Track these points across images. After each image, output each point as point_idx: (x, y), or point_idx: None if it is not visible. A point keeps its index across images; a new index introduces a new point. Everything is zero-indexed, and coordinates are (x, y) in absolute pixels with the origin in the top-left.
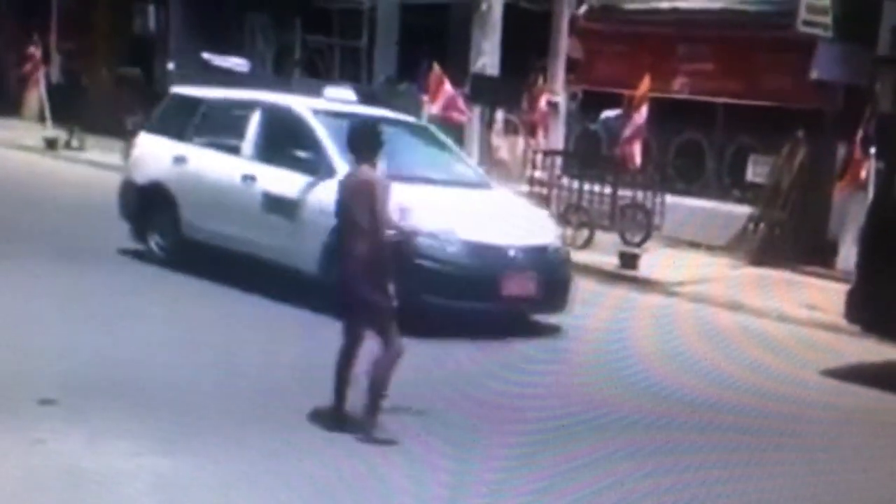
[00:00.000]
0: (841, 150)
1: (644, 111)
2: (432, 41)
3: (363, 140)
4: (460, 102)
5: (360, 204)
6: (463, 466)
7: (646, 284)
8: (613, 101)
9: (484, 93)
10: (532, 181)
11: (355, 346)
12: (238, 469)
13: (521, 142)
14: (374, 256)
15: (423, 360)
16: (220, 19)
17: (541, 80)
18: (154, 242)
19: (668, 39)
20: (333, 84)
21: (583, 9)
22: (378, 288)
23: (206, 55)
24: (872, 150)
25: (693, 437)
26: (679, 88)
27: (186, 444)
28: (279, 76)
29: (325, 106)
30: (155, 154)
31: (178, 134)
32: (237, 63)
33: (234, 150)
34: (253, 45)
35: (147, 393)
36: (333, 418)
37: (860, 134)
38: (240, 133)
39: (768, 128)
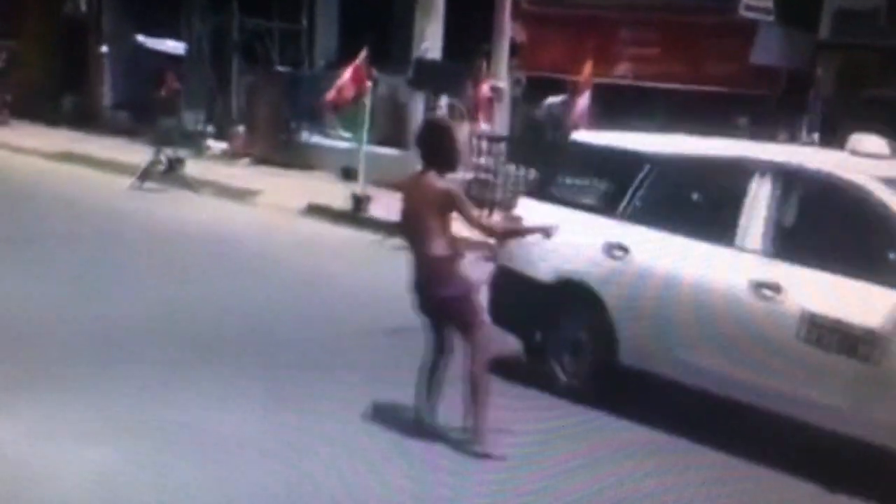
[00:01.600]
0: (784, 135)
1: (587, 97)
2: (374, 25)
3: (431, 140)
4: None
5: (428, 211)
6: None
7: None
8: (558, 87)
9: (427, 78)
10: (477, 168)
11: (443, 353)
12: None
13: (465, 128)
14: (441, 256)
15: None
16: (154, 1)
17: (485, 65)
18: (560, 365)
19: (611, 24)
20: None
21: None
22: (452, 283)
23: (140, 38)
24: (815, 135)
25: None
26: (623, 74)
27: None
28: (216, 60)
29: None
30: (566, 237)
31: (605, 207)
32: (172, 46)
33: (722, 239)
34: (189, 27)
35: None
36: (417, 423)
37: (804, 118)
38: (730, 211)
39: (712, 112)
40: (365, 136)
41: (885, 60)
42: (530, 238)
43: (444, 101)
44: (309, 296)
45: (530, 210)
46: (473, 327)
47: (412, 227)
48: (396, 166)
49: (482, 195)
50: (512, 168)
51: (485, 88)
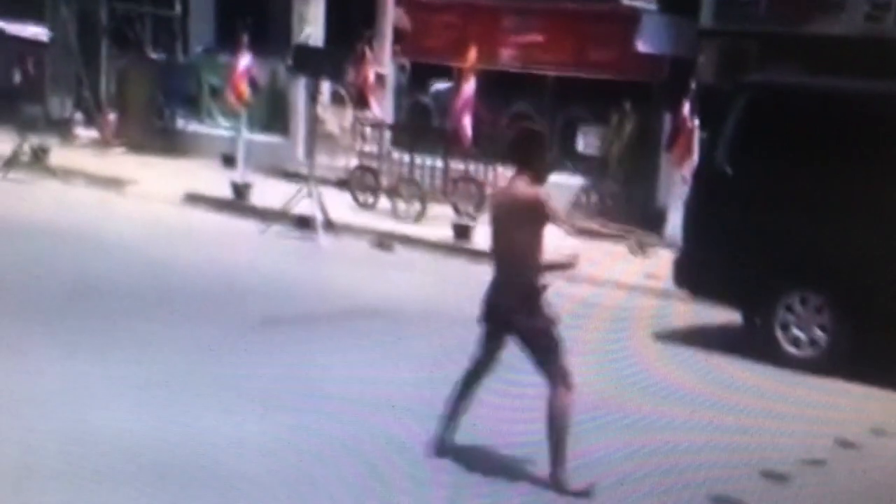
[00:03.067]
0: (668, 121)
1: (472, 83)
2: (252, 9)
3: (527, 147)
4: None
5: (517, 222)
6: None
7: (481, 256)
8: (444, 73)
9: (308, 64)
10: (362, 154)
11: (483, 369)
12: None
13: (349, 114)
14: (530, 281)
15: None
16: None
17: (367, 51)
18: None
19: (495, 11)
20: None
21: None
22: (538, 313)
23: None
24: (697, 121)
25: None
26: (508, 60)
27: None
28: (84, 46)
29: None
30: None
31: None
32: (34, 32)
33: None
34: (55, 11)
35: None
36: (439, 449)
37: (686, 105)
38: None
39: (597, 99)
40: (244, 122)
41: (765, 47)
42: None
43: (326, 87)
44: (194, 287)
45: None
46: (557, 360)
47: (500, 244)
48: (277, 154)
49: (366, 182)
50: (396, 154)
51: (367, 74)
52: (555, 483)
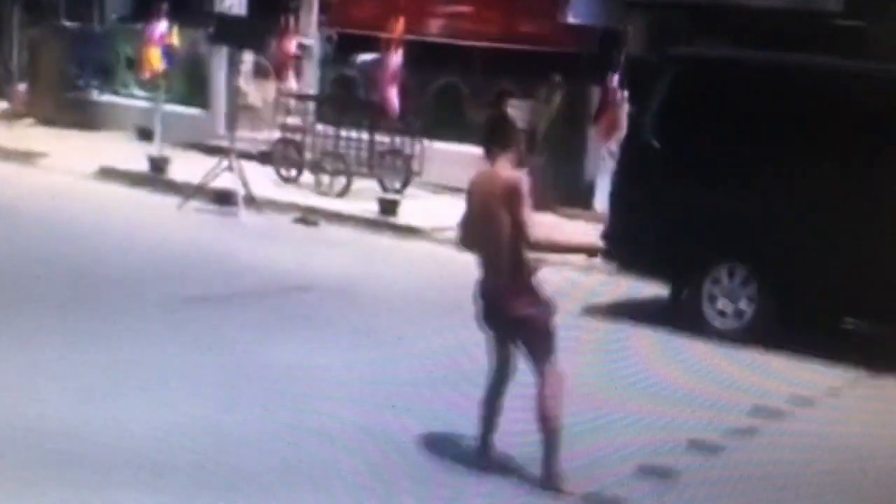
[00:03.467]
0: (596, 94)
1: (399, 55)
2: None
3: (496, 129)
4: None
5: (497, 208)
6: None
7: (407, 231)
8: (370, 44)
9: (229, 34)
10: (285, 128)
11: (507, 372)
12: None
13: (272, 87)
14: (519, 267)
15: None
16: None
17: (291, 22)
18: None
19: None
20: None
21: None
22: (532, 300)
23: None
24: (625, 94)
25: None
26: (435, 32)
27: None
28: None
29: None
30: None
31: None
32: None
33: None
34: None
35: None
36: (481, 457)
37: (614, 77)
38: None
39: (525, 72)
40: (162, 94)
41: (695, 19)
42: None
43: (248, 58)
44: (108, 264)
45: None
46: (551, 349)
47: (480, 230)
48: (196, 126)
49: (290, 156)
50: (320, 127)
51: (291, 45)
52: (549, 483)
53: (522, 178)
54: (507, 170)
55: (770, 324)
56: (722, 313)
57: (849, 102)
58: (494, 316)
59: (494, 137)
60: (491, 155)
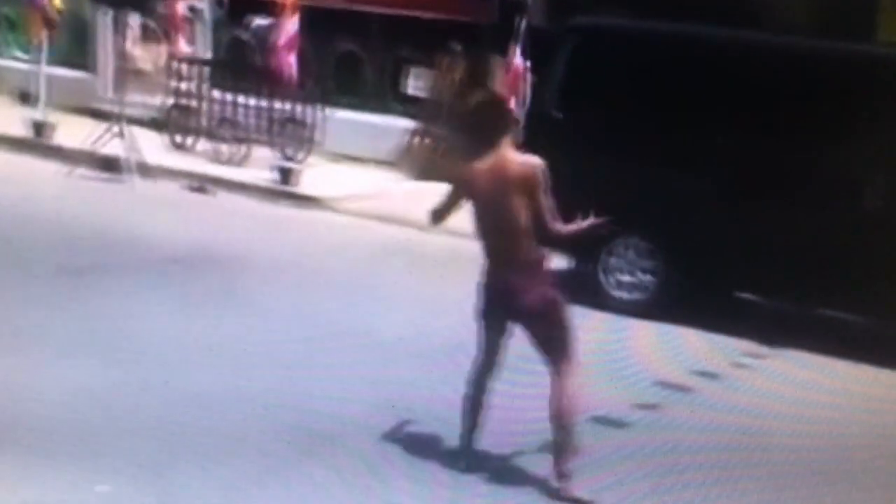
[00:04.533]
0: (498, 64)
1: (295, 20)
2: None
3: (493, 113)
4: None
5: (512, 195)
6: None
7: (307, 201)
8: (264, 8)
9: None
10: (177, 93)
11: (493, 366)
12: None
13: (162, 51)
14: (534, 257)
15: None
16: None
17: None
18: None
19: None
20: None
21: None
22: (548, 292)
23: None
24: (527, 64)
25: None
26: None
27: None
28: None
29: None
30: None
31: None
32: None
33: None
34: None
35: None
36: (465, 456)
37: (515, 47)
38: None
39: (426, 40)
40: (44, 56)
41: None
42: None
43: (135, 20)
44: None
45: None
46: (568, 341)
47: (494, 221)
48: (82, 90)
49: (184, 122)
50: (215, 93)
51: (180, 7)
52: (559, 480)
53: (541, 163)
54: (521, 155)
55: (671, 297)
56: (623, 286)
57: (749, 74)
58: (505, 308)
59: (494, 123)
60: (490, 142)
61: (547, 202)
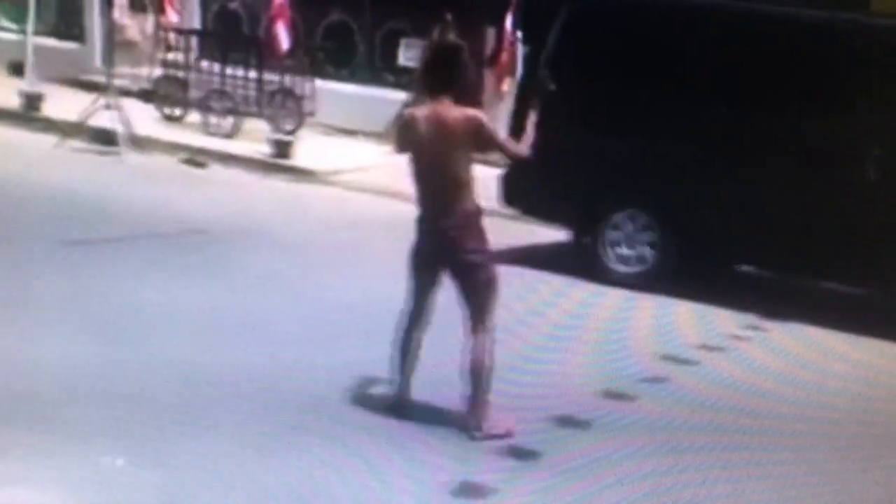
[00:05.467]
0: (490, 35)
1: None
2: None
3: (443, 65)
4: None
5: (453, 145)
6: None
7: (301, 173)
8: None
9: None
10: (167, 64)
11: (421, 317)
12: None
13: (151, 21)
14: (471, 209)
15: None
16: None
17: None
18: None
19: None
20: None
21: None
22: (483, 246)
23: None
24: (519, 35)
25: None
26: None
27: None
28: None
29: None
30: None
31: None
32: None
33: None
34: None
35: None
36: (397, 407)
37: (508, 18)
38: None
39: (416, 10)
40: (32, 26)
41: None
42: None
43: None
44: None
45: None
46: (491, 296)
47: (429, 172)
48: (72, 61)
49: (173, 94)
50: (205, 64)
51: None
52: (469, 426)
53: (482, 115)
54: (460, 108)
55: (671, 270)
56: (623, 259)
57: (746, 44)
58: (439, 255)
59: (448, 70)
60: (440, 88)
61: (499, 137)
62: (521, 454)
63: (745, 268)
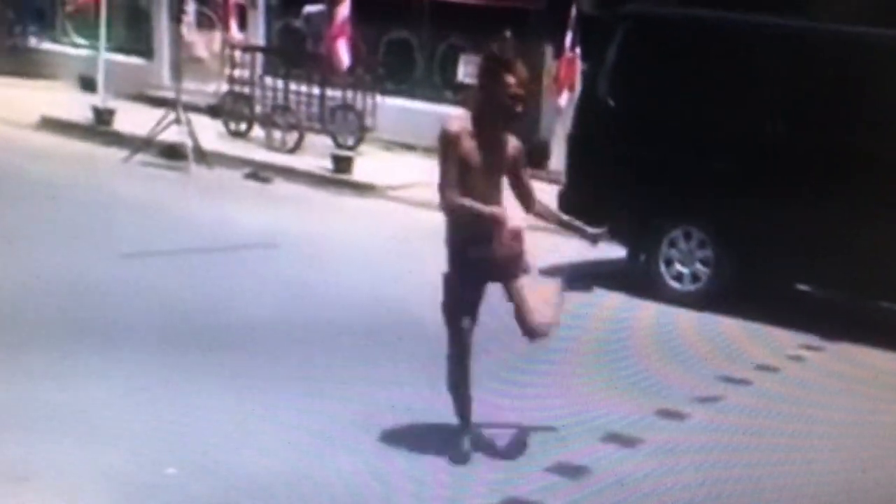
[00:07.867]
0: (548, 51)
1: (347, 6)
2: None
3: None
4: None
5: (500, 167)
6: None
7: (362, 188)
8: None
9: None
10: (232, 80)
11: (470, 355)
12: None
13: (217, 38)
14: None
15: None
16: None
17: None
18: None
19: None
20: None
21: None
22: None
23: None
24: (578, 51)
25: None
26: None
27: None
28: None
29: None
30: None
31: None
32: None
33: None
34: None
35: None
36: (465, 441)
37: (568, 35)
38: None
39: (476, 27)
40: (103, 42)
41: None
42: None
43: (191, 7)
44: (53, 217)
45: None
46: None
47: (480, 189)
48: (141, 77)
49: (239, 109)
50: (269, 80)
51: None
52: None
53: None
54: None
55: (727, 288)
56: (679, 276)
57: (803, 62)
58: (487, 275)
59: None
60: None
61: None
62: (567, 470)
63: (802, 287)
